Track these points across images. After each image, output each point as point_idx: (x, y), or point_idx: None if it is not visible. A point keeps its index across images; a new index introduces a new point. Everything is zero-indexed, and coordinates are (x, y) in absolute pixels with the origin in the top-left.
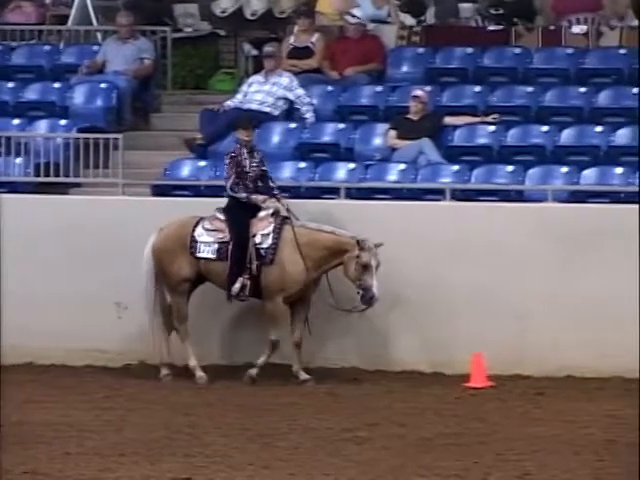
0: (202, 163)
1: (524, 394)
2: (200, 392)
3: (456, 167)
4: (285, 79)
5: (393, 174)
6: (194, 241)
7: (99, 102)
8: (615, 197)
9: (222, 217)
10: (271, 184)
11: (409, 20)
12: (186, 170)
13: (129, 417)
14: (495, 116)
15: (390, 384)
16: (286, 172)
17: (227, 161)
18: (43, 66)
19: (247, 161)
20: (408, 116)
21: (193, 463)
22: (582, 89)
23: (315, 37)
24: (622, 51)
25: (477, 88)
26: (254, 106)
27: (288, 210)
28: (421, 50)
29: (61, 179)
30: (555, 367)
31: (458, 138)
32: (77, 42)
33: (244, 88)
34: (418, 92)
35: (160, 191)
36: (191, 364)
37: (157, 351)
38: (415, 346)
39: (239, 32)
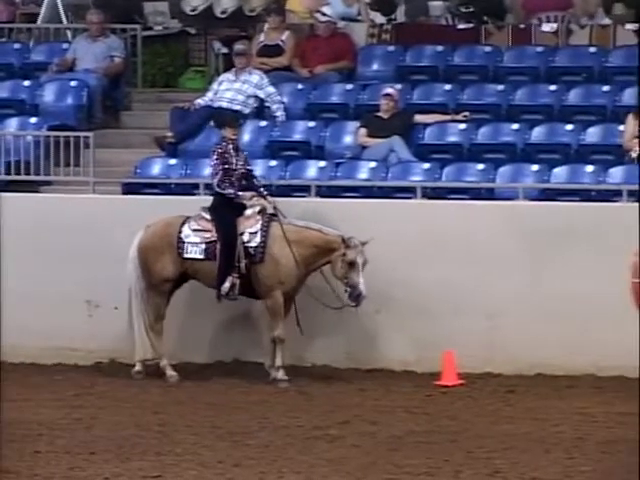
0: (172, 161)
1: (495, 392)
2: (170, 390)
3: (427, 165)
4: (255, 77)
5: (364, 172)
6: (181, 241)
7: (69, 100)
8: (585, 195)
9: (208, 216)
10: (256, 183)
11: (379, 18)
12: (156, 168)
13: (99, 415)
14: (466, 114)
15: (361, 382)
16: (257, 170)
17: (214, 157)
18: (13, 64)
19: (234, 159)
20: (378, 114)
21: (163, 461)
22: (552, 87)
23: (285, 35)
24: (592, 49)
25: (447, 86)
26: (224, 104)
27: (275, 208)
28: (391, 48)
29: (32, 177)
30: (526, 365)
31: (429, 136)
32: (47, 40)
33: (214, 86)
34: (388, 90)
35: (131, 189)
36: (162, 363)
37: (138, 350)
38: (386, 344)
39: (209, 30)
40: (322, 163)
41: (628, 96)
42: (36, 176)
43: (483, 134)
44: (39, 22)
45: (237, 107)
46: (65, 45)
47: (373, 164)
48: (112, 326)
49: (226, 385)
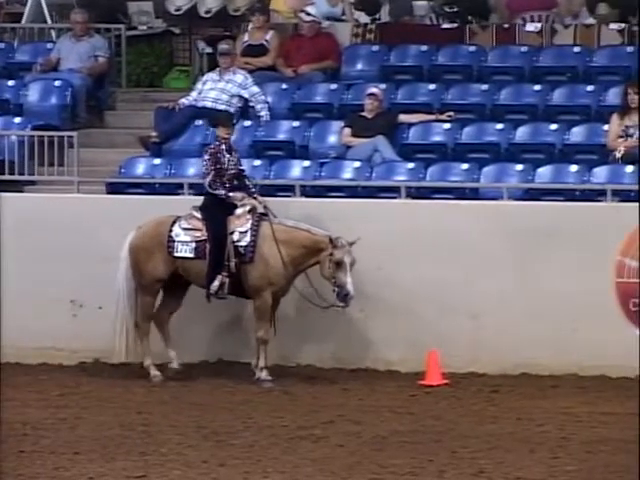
0: (157, 161)
1: (479, 392)
2: (155, 390)
3: (411, 165)
4: (239, 77)
5: (348, 172)
6: (171, 240)
7: (53, 100)
8: (570, 195)
9: (199, 215)
10: (248, 182)
11: (363, 18)
12: (141, 168)
13: (84, 415)
14: (450, 114)
15: (345, 382)
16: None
17: (206, 157)
18: None
19: (226, 158)
20: (363, 114)
21: (148, 461)
22: (537, 87)
23: (269, 35)
24: (576, 49)
25: (432, 86)
26: (208, 104)
27: (266, 207)
28: (376, 48)
29: (16, 177)
30: (510, 365)
31: (413, 136)
32: (31, 40)
33: (198, 86)
34: (373, 90)
35: (115, 189)
36: (146, 363)
37: (118, 352)
38: (370, 344)
39: (193, 30)
40: (306, 163)
41: (612, 96)
42: (20, 176)
43: (467, 134)
44: (23, 22)
45: (221, 107)
46: (49, 45)
47: (357, 164)
48: (96, 326)
49: (211, 385)
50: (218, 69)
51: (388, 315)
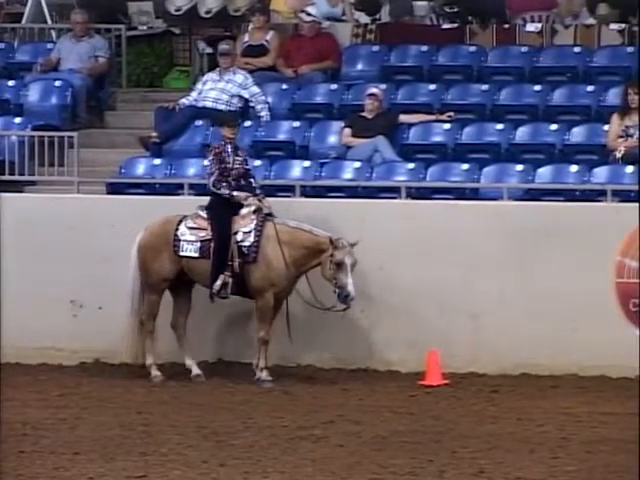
0: (157, 161)
1: (479, 392)
2: (155, 390)
3: (411, 165)
4: (240, 77)
5: (348, 172)
6: (177, 239)
7: (54, 100)
8: (570, 195)
9: (205, 215)
10: (253, 183)
11: (364, 18)
12: (141, 168)
13: (84, 415)
14: (450, 114)
15: (345, 382)
16: None
17: (210, 157)
18: None
19: (231, 158)
20: (363, 114)
21: (148, 461)
22: (537, 87)
23: (270, 35)
24: (576, 49)
25: (432, 86)
26: (209, 104)
27: (269, 209)
28: (376, 48)
29: (16, 177)
30: (510, 365)
31: (413, 136)
32: (31, 40)
33: (199, 86)
34: (373, 90)
35: (115, 189)
36: (148, 362)
37: (134, 352)
38: (370, 344)
39: (194, 30)
40: (306, 163)
41: (612, 96)
42: (20, 176)
43: (467, 134)
44: (23, 22)
45: (221, 107)
46: (49, 45)
47: (358, 164)
48: (96, 326)
49: (211, 385)
50: (218, 69)
51: (388, 315)
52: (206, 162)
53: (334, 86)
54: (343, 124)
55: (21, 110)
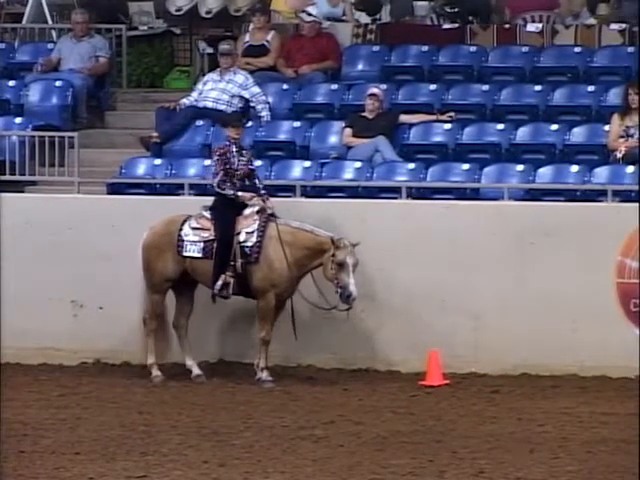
0: (157, 161)
1: (479, 392)
2: (155, 391)
3: (412, 165)
4: (240, 77)
5: (349, 172)
6: (181, 240)
7: (54, 100)
8: (570, 195)
9: (208, 215)
10: (258, 183)
11: (364, 18)
12: (141, 168)
13: (84, 415)
14: (451, 115)
15: (346, 382)
16: None
17: (215, 157)
18: None
19: (235, 158)
20: (363, 114)
21: (148, 461)
22: (537, 87)
23: (270, 35)
24: (577, 49)
25: (432, 86)
26: (209, 104)
27: (273, 209)
28: (376, 48)
29: (16, 177)
30: (510, 365)
31: (414, 136)
32: (32, 40)
33: (199, 86)
34: (374, 90)
35: (115, 189)
36: (149, 361)
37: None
38: (371, 344)
39: (194, 30)
40: (307, 163)
41: (613, 96)
42: (21, 176)
43: (468, 134)
44: (24, 22)
45: (222, 107)
46: (50, 45)
47: (358, 164)
48: (97, 326)
49: (211, 385)
50: (219, 69)
51: (389, 315)
52: (210, 163)
53: (335, 86)
54: (344, 124)
55: (21, 110)
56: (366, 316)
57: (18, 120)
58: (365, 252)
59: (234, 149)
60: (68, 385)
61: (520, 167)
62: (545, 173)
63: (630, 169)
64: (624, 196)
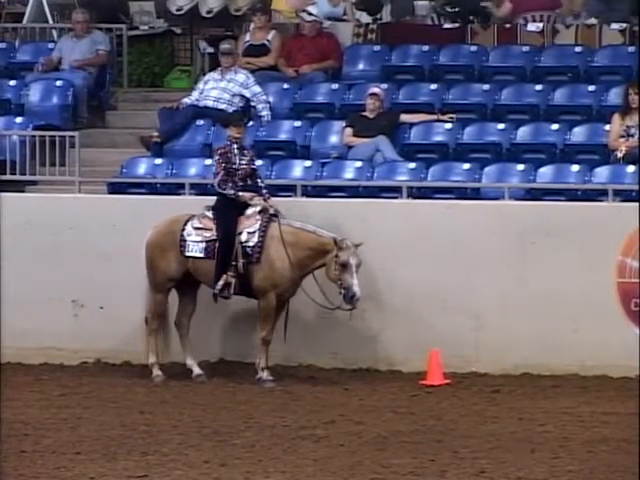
0: (158, 161)
1: (480, 392)
2: (156, 390)
3: (412, 165)
4: (241, 76)
5: (349, 172)
6: (183, 239)
7: (55, 100)
8: (571, 195)
9: (211, 215)
10: (260, 183)
11: (365, 18)
12: (142, 168)
13: (85, 415)
14: (452, 115)
15: (347, 382)
16: None
17: (216, 157)
18: None
19: (237, 158)
20: (364, 114)
21: (149, 461)
22: (538, 87)
23: (271, 35)
24: (578, 49)
25: (433, 86)
26: (210, 103)
27: (276, 210)
28: (377, 48)
29: (17, 177)
30: (511, 365)
31: (414, 136)
32: (33, 40)
33: (200, 85)
34: (374, 90)
35: (116, 189)
36: (150, 360)
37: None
38: (371, 344)
39: (195, 30)
40: (308, 163)
41: (614, 96)
42: (22, 176)
43: (469, 134)
44: (25, 22)
45: (222, 106)
46: (51, 45)
47: (359, 164)
48: (98, 326)
49: (212, 385)
50: (219, 69)
51: (389, 315)
52: (212, 162)
53: (335, 86)
54: (344, 124)
55: (22, 110)
56: (367, 316)
57: (19, 120)
58: (366, 252)
59: (235, 148)
60: (69, 385)
61: (521, 167)
62: (546, 173)
63: (631, 169)
64: (625, 196)
